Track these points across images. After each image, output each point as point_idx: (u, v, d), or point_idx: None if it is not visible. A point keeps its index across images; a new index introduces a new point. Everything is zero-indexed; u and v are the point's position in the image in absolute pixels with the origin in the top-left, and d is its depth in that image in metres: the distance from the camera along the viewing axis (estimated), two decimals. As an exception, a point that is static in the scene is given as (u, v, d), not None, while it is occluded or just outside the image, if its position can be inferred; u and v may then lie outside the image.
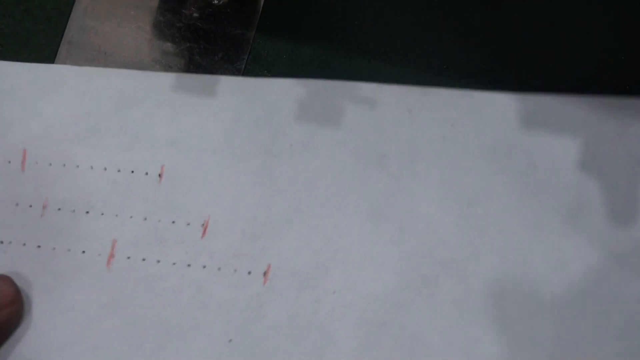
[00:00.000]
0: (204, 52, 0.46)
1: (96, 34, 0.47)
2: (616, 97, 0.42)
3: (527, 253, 0.40)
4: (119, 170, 0.43)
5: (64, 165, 0.44)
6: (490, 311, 0.39)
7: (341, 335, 0.39)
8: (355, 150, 0.43)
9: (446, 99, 0.43)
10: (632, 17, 0.44)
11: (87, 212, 0.43)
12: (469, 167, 0.42)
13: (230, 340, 0.40)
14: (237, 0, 0.47)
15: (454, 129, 0.42)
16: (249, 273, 0.41)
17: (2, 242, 0.43)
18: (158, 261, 0.41)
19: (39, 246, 0.42)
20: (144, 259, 0.42)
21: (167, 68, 0.46)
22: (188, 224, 0.42)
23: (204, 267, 0.41)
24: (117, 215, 0.42)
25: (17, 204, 0.43)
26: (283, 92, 0.44)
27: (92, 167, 0.43)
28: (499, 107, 0.43)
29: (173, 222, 0.42)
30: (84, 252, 0.42)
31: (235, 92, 0.44)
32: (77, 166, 0.44)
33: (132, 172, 0.43)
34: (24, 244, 0.42)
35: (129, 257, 0.42)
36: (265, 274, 0.41)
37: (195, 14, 0.47)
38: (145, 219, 0.42)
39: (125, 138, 0.44)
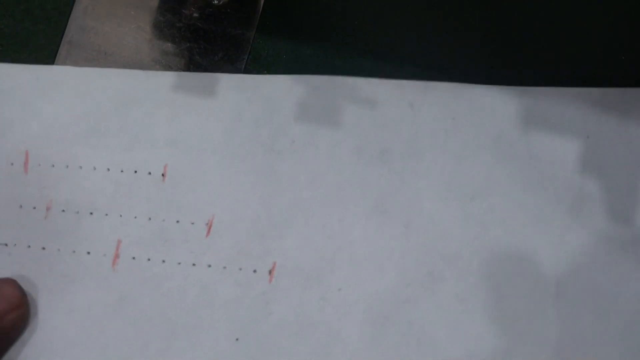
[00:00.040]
0: (204, 52, 0.45)
1: (96, 34, 0.46)
2: (616, 88, 0.42)
3: (531, 246, 0.40)
4: (122, 171, 0.42)
5: (67, 166, 0.42)
6: (494, 305, 0.39)
7: (347, 332, 0.39)
8: (357, 146, 0.42)
9: (447, 93, 0.42)
10: (632, 17, 0.43)
11: (91, 213, 0.41)
12: (471, 160, 0.41)
13: (237, 339, 0.39)
14: (237, 0, 0.46)
15: (455, 123, 0.42)
16: (255, 271, 0.40)
17: (6, 245, 0.41)
18: (163, 261, 0.40)
19: (43, 248, 0.41)
20: (149, 259, 0.41)
21: (167, 68, 0.45)
22: (192, 223, 0.41)
23: (209, 266, 0.40)
24: (121, 216, 0.41)
25: (20, 206, 0.42)
26: (283, 89, 0.43)
27: (95, 168, 0.42)
28: (500, 100, 0.42)
29: (177, 221, 0.41)
30: (88, 253, 0.41)
31: (235, 90, 0.43)
32: (80, 167, 0.42)
33: (135, 172, 0.42)
34: (29, 246, 0.41)
35: (134, 258, 0.41)
36: (270, 272, 0.40)
37: (195, 14, 0.46)
38: (150, 218, 0.41)
39: (127, 138, 0.43)
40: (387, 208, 0.41)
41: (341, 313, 0.39)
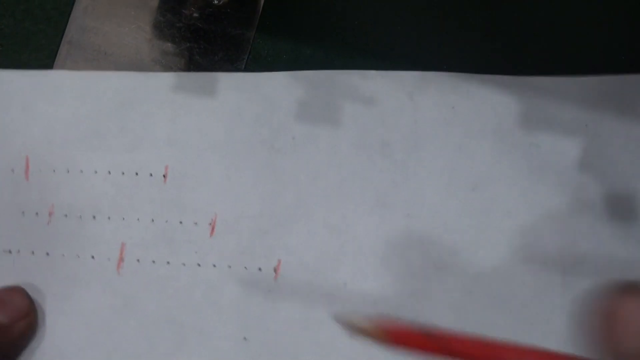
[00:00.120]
0: (204, 52, 0.43)
1: (96, 34, 0.44)
2: (613, 75, 0.40)
3: (535, 234, 0.38)
4: (123, 173, 0.40)
5: (68, 171, 0.40)
6: (501, 295, 0.37)
7: None
8: (358, 140, 0.40)
9: (446, 83, 0.41)
10: (632, 17, 0.42)
11: (94, 217, 0.39)
12: (472, 150, 0.39)
13: (245, 338, 0.37)
14: (237, 0, 0.44)
15: (455, 112, 0.40)
16: (260, 269, 0.38)
17: (10, 252, 0.39)
18: (168, 262, 0.39)
19: (47, 254, 0.39)
20: (153, 261, 0.39)
21: (167, 68, 0.43)
22: (196, 224, 0.39)
23: (214, 266, 0.38)
24: (124, 219, 0.39)
25: (23, 213, 0.40)
26: (282, 86, 0.41)
27: (96, 172, 0.40)
28: (498, 90, 0.40)
29: (180, 222, 0.39)
30: (93, 257, 0.39)
31: (234, 88, 0.41)
32: (81, 171, 0.40)
33: (136, 174, 0.40)
34: (33, 252, 0.39)
35: (138, 260, 0.39)
36: (275, 269, 0.38)
37: (195, 14, 0.44)
38: (153, 220, 0.39)
39: (127, 140, 0.41)
40: (389, 201, 0.39)
41: (348, 308, 0.38)
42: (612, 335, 0.21)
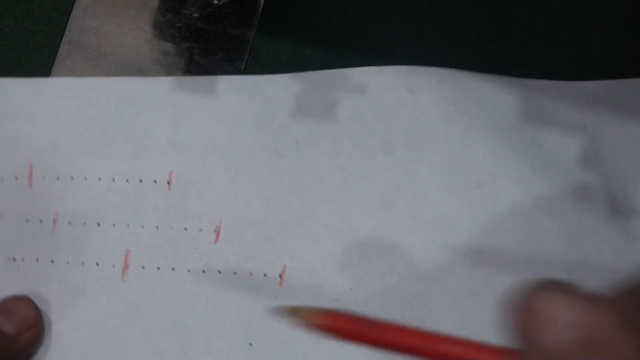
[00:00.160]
0: (204, 52, 0.42)
1: (96, 34, 0.43)
2: (611, 80, 0.40)
3: (540, 232, 0.37)
4: (127, 180, 0.39)
5: (72, 178, 0.39)
6: (507, 295, 0.37)
7: None
8: (360, 140, 0.39)
9: (446, 78, 0.39)
10: (632, 17, 0.41)
11: (98, 224, 0.38)
12: (475, 147, 0.38)
13: (251, 344, 0.36)
14: (237, 0, 0.43)
15: (457, 108, 0.39)
16: (265, 275, 0.37)
17: (14, 259, 0.38)
18: (173, 269, 0.37)
19: (52, 261, 0.38)
20: (158, 268, 0.38)
21: (167, 68, 0.42)
22: (200, 230, 0.38)
23: (220, 272, 0.37)
24: (128, 226, 0.38)
25: (27, 220, 0.38)
26: (282, 87, 0.40)
27: (100, 179, 0.39)
28: (498, 89, 0.39)
29: (185, 228, 0.38)
30: (97, 264, 0.38)
31: (235, 91, 0.40)
32: (85, 178, 0.39)
33: (141, 180, 0.39)
34: (37, 260, 0.38)
35: (143, 267, 0.38)
36: (281, 275, 0.37)
37: (195, 14, 0.43)
38: (157, 227, 0.38)
39: (130, 147, 0.39)
40: (393, 201, 0.38)
41: (350, 312, 0.37)
42: (530, 329, 0.22)
